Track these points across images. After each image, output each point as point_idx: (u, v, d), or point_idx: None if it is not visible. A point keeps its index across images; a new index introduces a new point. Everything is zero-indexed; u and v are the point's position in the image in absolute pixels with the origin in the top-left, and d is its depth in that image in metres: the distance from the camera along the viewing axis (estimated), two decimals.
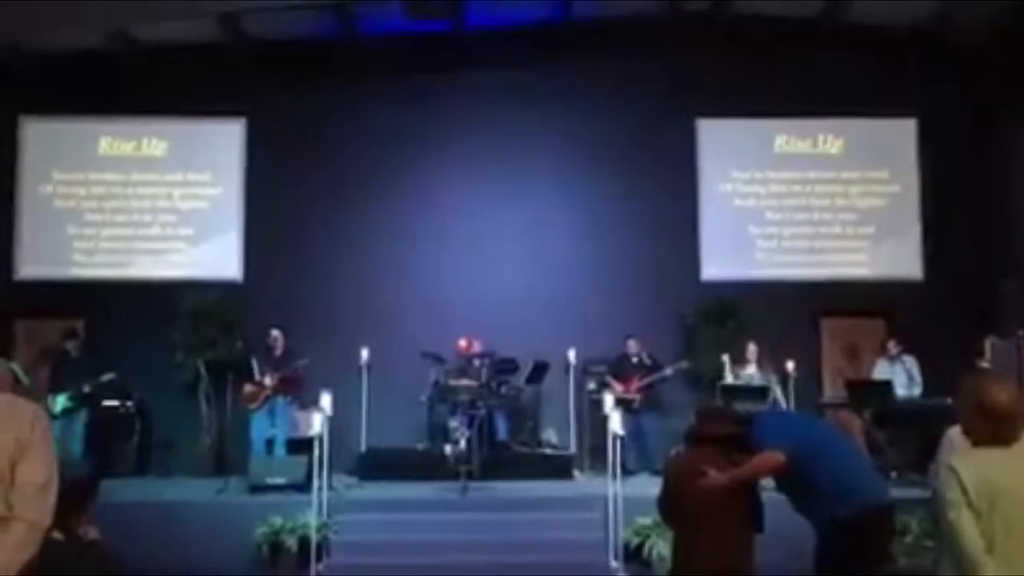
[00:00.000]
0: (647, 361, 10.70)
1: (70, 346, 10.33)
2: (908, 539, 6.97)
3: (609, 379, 10.72)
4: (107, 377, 10.04)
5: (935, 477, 3.31)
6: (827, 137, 12.21)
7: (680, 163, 11.95)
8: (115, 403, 10.60)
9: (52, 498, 2.87)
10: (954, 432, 4.15)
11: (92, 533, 3.88)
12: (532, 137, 11.79)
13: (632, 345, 10.76)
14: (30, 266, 11.72)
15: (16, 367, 9.19)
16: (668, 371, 10.60)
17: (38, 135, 11.95)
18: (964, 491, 3.14)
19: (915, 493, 7.18)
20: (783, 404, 9.92)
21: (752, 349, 10.48)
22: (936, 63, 11.63)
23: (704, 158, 12.10)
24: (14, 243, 11.74)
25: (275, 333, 10.34)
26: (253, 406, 10.11)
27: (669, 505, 4.64)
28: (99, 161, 11.97)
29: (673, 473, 4.69)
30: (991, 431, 3.25)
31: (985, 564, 3.08)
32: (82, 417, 10.01)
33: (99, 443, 10.05)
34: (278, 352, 10.28)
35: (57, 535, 3.78)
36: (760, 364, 10.40)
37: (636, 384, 10.54)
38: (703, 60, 11.60)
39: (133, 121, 11.99)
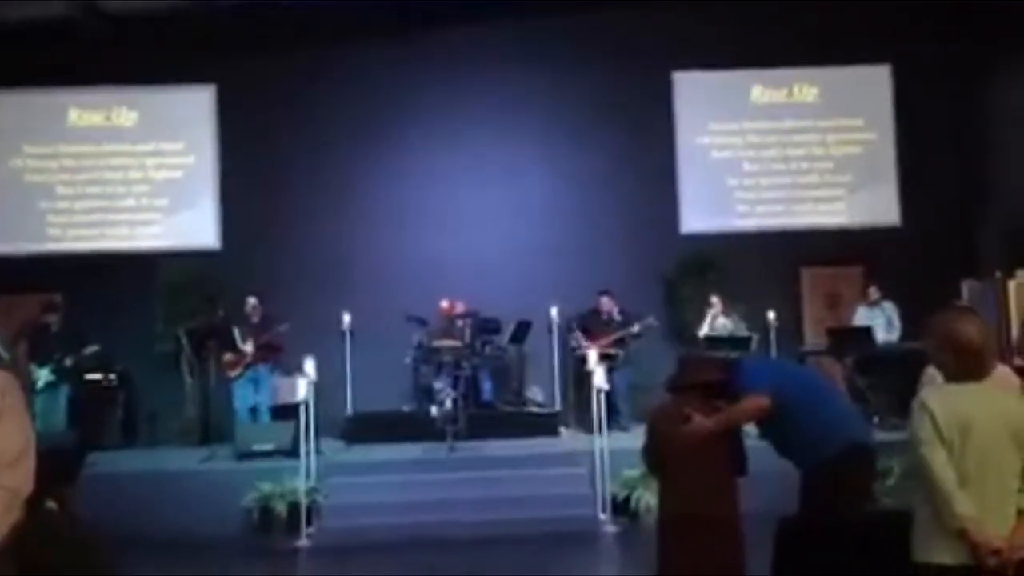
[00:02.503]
0: (617, 318, 10.60)
1: (50, 320, 10.22)
2: (890, 481, 7.05)
3: (578, 334, 10.65)
4: (90, 350, 9.96)
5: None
6: (802, 86, 12.18)
7: (657, 116, 11.89)
8: (98, 376, 10.54)
9: (31, 463, 2.87)
10: (934, 369, 4.18)
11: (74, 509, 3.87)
12: (509, 93, 11.69)
13: (605, 302, 10.64)
14: (4, 241, 11.57)
15: None
16: (635, 328, 10.45)
17: (6, 108, 11.74)
18: (936, 427, 3.15)
19: (897, 436, 7.24)
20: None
21: (714, 300, 10.56)
22: (907, 7, 11.56)
23: (681, 111, 12.05)
24: None
25: (252, 301, 10.27)
26: (233, 374, 10.09)
27: (653, 454, 4.68)
28: (69, 133, 11.80)
29: (657, 422, 4.72)
30: (961, 366, 3.27)
31: (957, 498, 3.10)
32: (65, 391, 9.92)
33: (83, 416, 9.99)
34: (256, 320, 10.24)
35: (51, 504, 3.78)
36: (727, 313, 10.46)
37: (603, 341, 10.36)
38: (678, 12, 11.51)
39: (101, 91, 11.79)
